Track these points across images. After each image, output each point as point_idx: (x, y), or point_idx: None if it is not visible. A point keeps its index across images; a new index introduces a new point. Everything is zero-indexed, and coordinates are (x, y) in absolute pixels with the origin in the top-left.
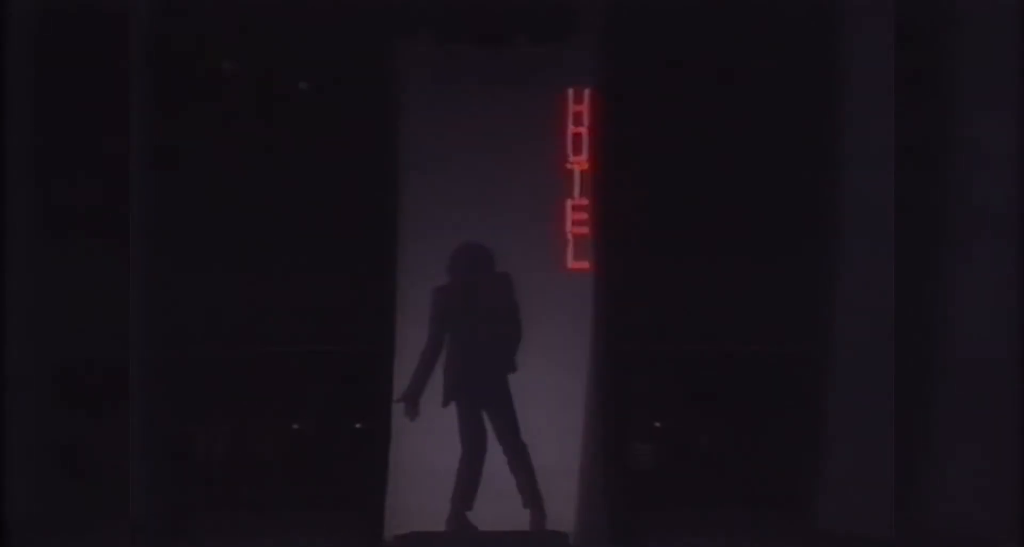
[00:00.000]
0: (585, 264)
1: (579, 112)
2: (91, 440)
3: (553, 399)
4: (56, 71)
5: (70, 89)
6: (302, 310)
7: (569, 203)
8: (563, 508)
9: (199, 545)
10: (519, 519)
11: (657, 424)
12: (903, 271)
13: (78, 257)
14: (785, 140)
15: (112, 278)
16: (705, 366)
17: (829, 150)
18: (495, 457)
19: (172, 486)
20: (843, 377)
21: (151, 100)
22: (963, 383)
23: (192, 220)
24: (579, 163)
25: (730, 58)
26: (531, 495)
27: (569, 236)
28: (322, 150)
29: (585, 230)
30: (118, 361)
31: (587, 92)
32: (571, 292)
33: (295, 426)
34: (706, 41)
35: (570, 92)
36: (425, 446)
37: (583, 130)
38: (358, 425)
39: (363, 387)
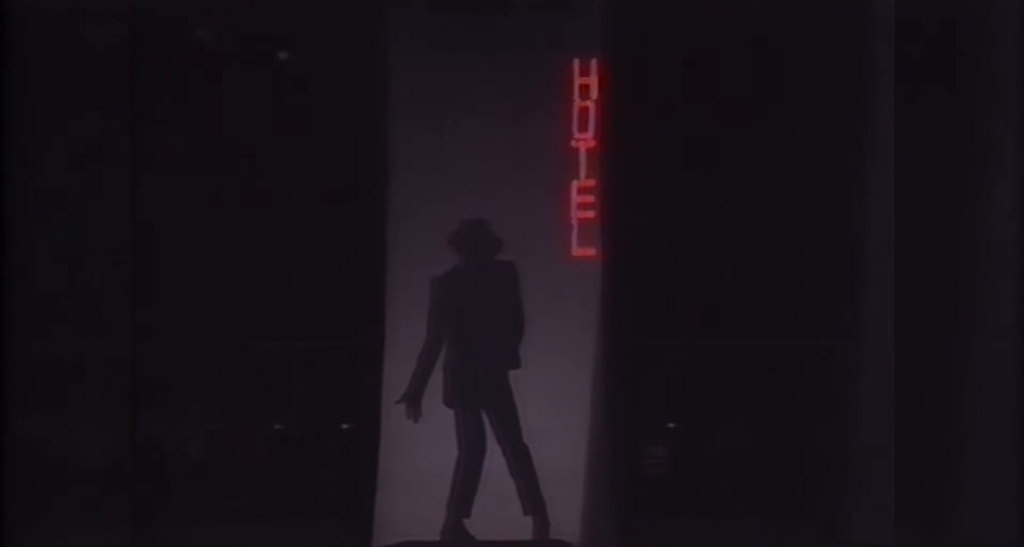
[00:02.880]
0: (591, 251)
1: (585, 85)
2: (59, 438)
3: (557, 397)
4: (24, 43)
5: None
6: (283, 301)
7: (574, 185)
8: (568, 515)
9: None
10: (520, 527)
11: (671, 425)
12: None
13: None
14: (811, 115)
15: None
16: (723, 362)
17: (854, 130)
18: (494, 460)
19: (143, 491)
20: (876, 375)
21: (122, 73)
22: (993, 384)
23: (164, 205)
24: (585, 141)
25: (749, 26)
26: (533, 501)
27: (574, 221)
28: (304, 128)
29: (591, 214)
30: (88, 356)
31: (594, 63)
32: (576, 282)
33: (277, 427)
34: (723, 7)
35: (575, 63)
36: (418, 448)
37: (589, 105)
38: (345, 426)
39: (350, 384)
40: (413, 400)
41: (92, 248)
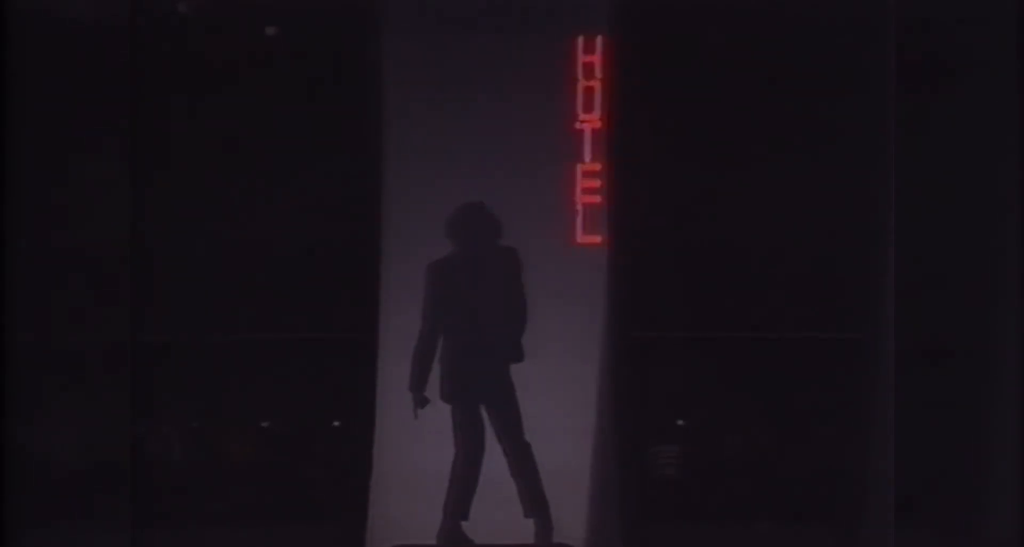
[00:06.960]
0: (597, 238)
1: (590, 63)
2: (54, 438)
3: (561, 393)
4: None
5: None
6: (271, 291)
7: (579, 168)
8: (571, 518)
9: None
10: (521, 530)
11: (681, 422)
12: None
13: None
14: (830, 98)
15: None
16: (737, 357)
17: (875, 113)
18: (494, 459)
19: (124, 491)
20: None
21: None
22: (998, 384)
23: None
24: (590, 122)
25: (762, 3)
26: (535, 503)
27: (579, 206)
28: (292, 108)
29: (597, 199)
30: (85, 352)
31: (599, 39)
32: (581, 270)
33: (264, 424)
34: None
35: (580, 40)
36: (413, 447)
37: (595, 84)
38: (336, 423)
39: (342, 380)
40: (418, 396)
41: (91, 243)
